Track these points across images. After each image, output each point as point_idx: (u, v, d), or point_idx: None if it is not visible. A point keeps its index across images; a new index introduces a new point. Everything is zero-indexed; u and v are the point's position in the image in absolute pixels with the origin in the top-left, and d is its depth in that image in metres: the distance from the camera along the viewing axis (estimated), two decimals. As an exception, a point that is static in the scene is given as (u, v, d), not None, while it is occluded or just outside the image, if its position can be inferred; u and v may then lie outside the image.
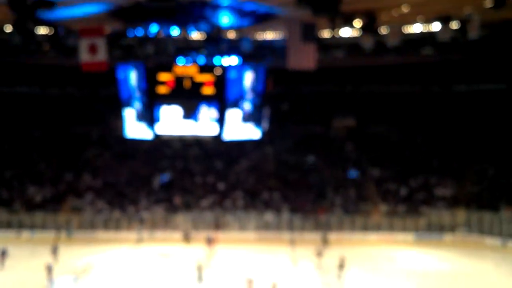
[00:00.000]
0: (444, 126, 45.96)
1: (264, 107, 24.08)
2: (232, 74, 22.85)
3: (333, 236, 36.62)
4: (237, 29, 26.13)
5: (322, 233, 35.97)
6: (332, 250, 33.66)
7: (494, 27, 25.98)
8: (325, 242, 34.83)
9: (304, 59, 22.25)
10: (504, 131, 43.59)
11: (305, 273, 29.05)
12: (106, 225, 38.06)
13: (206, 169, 43.48)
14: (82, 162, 44.61)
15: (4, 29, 24.33)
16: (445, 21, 24.18)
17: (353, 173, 43.00)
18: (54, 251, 31.18)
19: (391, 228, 37.84)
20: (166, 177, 42.71)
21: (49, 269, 26.94)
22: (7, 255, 29.83)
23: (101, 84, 45.12)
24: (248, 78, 23.31)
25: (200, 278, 27.04)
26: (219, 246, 34.16)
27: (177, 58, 22.58)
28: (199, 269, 27.41)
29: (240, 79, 23.09)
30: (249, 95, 23.51)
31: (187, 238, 36.35)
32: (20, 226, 37.69)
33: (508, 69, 41.43)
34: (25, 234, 37.26)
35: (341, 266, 28.01)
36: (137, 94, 23.38)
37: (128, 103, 24.19)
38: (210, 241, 33.35)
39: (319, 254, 31.04)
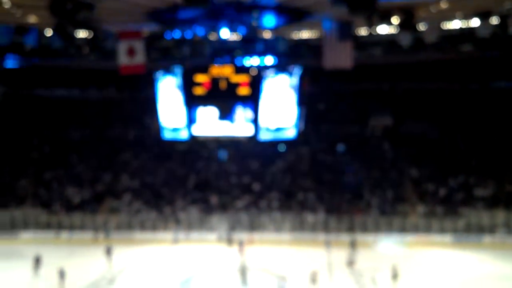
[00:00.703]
0: (484, 124, 44.91)
1: (300, 107, 23.89)
2: (267, 74, 22.77)
3: (370, 238, 36.29)
4: (273, 29, 26.10)
5: (350, 238, 35.07)
6: (368, 252, 33.38)
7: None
8: (353, 247, 33.37)
9: (340, 57, 22.06)
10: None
11: (340, 275, 28.85)
12: (143, 226, 38.47)
13: (242, 169, 43.57)
14: (119, 163, 45.24)
15: (45, 33, 24.82)
16: (484, 16, 23.64)
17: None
18: (108, 252, 31.30)
19: (428, 229, 37.12)
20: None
21: (62, 274, 27.08)
22: (41, 262, 29.63)
23: (139, 86, 45.69)
24: (284, 78, 23.19)
25: (244, 281, 27.11)
26: (255, 247, 34.21)
27: (215, 59, 22.55)
28: (243, 271, 27.33)
29: (276, 79, 22.97)
30: (285, 96, 23.39)
31: (229, 240, 36.41)
32: (59, 227, 38.42)
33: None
34: (64, 235, 37.97)
35: (395, 276, 27.13)
36: (174, 96, 23.53)
37: (166, 105, 24.35)
38: (241, 246, 33.19)
39: (351, 263, 30.54)
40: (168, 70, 22.95)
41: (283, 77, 22.95)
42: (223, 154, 44.29)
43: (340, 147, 44.43)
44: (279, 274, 28.51)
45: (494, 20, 23.75)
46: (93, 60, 30.71)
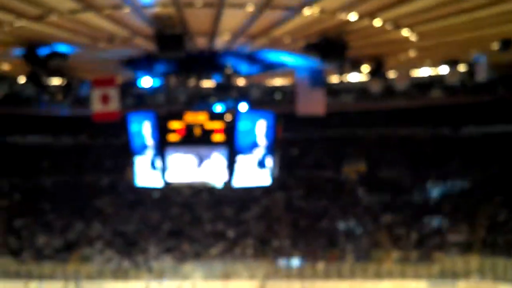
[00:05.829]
0: (456, 169, 45.61)
1: (274, 153, 23.97)
2: (242, 121, 22.87)
3: (345, 284, 36.06)
4: (247, 76, 26.36)
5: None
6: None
7: (501, 69, 25.96)
8: None
9: (313, 104, 22.29)
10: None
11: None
12: (115, 275, 37.56)
13: (216, 216, 43.18)
14: (92, 210, 44.45)
15: (18, 80, 24.64)
16: (452, 64, 24.23)
17: None
18: None
19: (403, 275, 37.03)
20: None
21: None
22: None
23: (113, 133, 45.47)
24: (258, 124, 23.31)
25: None
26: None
27: (189, 106, 22.61)
28: None
29: (250, 125, 23.08)
30: (259, 142, 23.47)
31: None
32: (29, 276, 37.26)
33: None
34: (33, 284, 36.79)
35: None
36: (148, 142, 23.43)
37: (139, 152, 24.20)
38: None
39: None
40: (142, 117, 22.92)
41: (257, 123, 23.11)
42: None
43: None
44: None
45: (462, 67, 24.31)
46: (66, 107, 30.48)
